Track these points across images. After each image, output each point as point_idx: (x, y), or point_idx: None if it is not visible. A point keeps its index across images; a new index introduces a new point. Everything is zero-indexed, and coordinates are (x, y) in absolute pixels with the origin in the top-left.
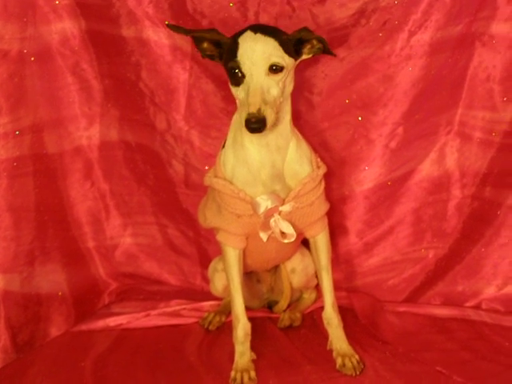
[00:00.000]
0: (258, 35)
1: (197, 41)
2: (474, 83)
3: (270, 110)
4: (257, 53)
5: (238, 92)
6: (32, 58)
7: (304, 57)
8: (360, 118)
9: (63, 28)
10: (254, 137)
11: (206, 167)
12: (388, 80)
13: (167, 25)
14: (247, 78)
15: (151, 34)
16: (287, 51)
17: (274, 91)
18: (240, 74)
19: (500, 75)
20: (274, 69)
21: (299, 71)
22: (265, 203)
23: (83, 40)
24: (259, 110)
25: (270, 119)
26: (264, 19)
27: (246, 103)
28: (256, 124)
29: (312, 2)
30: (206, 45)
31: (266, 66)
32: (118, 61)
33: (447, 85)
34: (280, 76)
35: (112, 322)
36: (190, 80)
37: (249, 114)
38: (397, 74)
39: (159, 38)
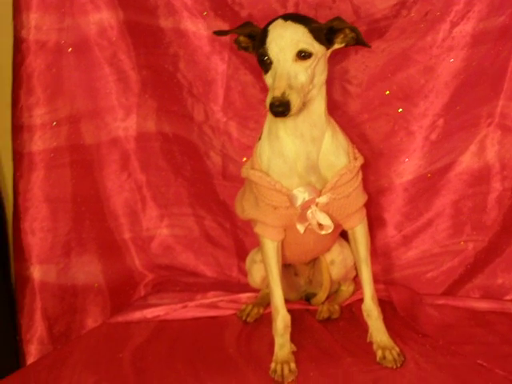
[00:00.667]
0: (288, 22)
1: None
2: None
3: (296, 95)
4: (285, 39)
5: (267, 79)
6: (69, 49)
7: (336, 46)
8: (400, 110)
9: (101, 19)
10: (289, 128)
11: (244, 159)
12: (429, 71)
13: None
14: (275, 64)
15: (189, 24)
16: (317, 39)
17: (302, 77)
18: (268, 61)
19: None
20: (303, 55)
21: (339, 62)
22: (302, 195)
23: (121, 31)
24: (284, 93)
25: (294, 104)
26: (304, 10)
27: (272, 88)
28: (280, 107)
29: None
30: (241, 38)
31: (294, 52)
32: (156, 52)
33: (489, 76)
34: (309, 62)
35: (149, 313)
36: (229, 71)
37: (273, 98)
38: (438, 66)
39: (197, 28)
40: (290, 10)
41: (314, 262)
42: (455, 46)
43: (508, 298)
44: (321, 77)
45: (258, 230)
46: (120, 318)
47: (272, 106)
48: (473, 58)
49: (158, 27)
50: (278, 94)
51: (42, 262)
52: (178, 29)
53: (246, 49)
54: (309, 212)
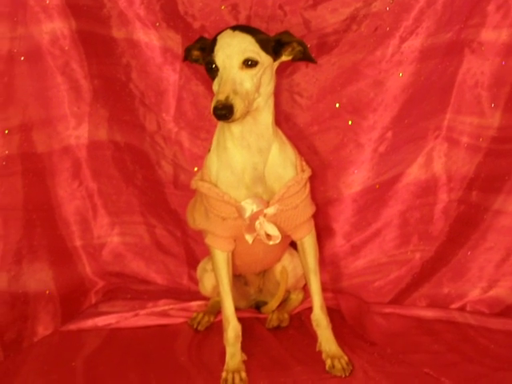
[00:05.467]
0: (236, 32)
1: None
2: (463, 89)
3: (240, 101)
4: (232, 47)
5: (214, 86)
6: (22, 58)
7: (284, 58)
8: (350, 123)
9: (53, 28)
10: (236, 138)
11: (195, 168)
12: (378, 85)
13: (183, 61)
14: (221, 71)
15: (142, 35)
16: (264, 49)
17: (248, 85)
18: (215, 68)
19: (488, 81)
20: (249, 63)
21: (289, 74)
22: (250, 207)
23: (73, 40)
24: (227, 97)
25: (238, 108)
26: (255, 22)
27: (217, 93)
28: (223, 110)
29: (304, 7)
30: (194, 51)
31: (240, 60)
32: (108, 61)
33: (436, 90)
34: (255, 71)
35: (101, 321)
36: (180, 82)
37: (217, 102)
38: (387, 80)
39: (150, 39)
40: (242, 22)
41: (264, 272)
42: (404, 60)
43: (454, 306)
44: (268, 87)
45: (208, 241)
46: (72, 326)
47: (215, 109)
48: (421, 72)
49: (111, 37)
50: (221, 97)
51: None
52: (131, 39)
53: (196, 61)
54: (257, 223)
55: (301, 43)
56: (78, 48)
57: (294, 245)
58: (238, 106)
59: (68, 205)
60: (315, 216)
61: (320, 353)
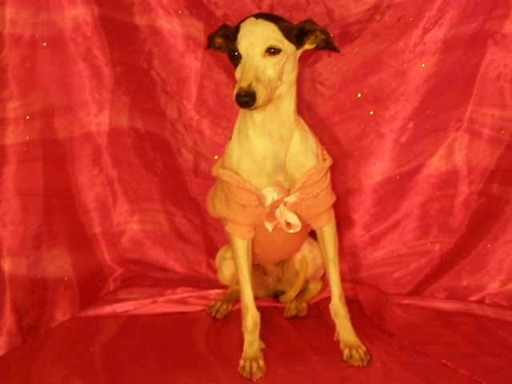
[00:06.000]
0: (260, 20)
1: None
2: (485, 81)
3: (262, 88)
4: (255, 35)
5: (236, 73)
6: (44, 44)
7: (307, 47)
8: (371, 113)
9: (76, 14)
10: (257, 126)
11: (216, 157)
12: (401, 75)
13: (205, 49)
14: (244, 58)
15: (164, 23)
16: (287, 37)
17: (270, 72)
18: (238, 55)
19: (511, 74)
20: (272, 51)
21: (312, 64)
22: (271, 195)
23: (96, 27)
24: (250, 85)
25: (260, 95)
26: (278, 11)
27: (240, 80)
28: (245, 97)
29: None
30: (217, 39)
31: (263, 48)
32: (131, 48)
33: (459, 82)
34: (277, 59)
35: (119, 308)
36: (202, 70)
37: (240, 89)
38: (409, 70)
39: (172, 27)
40: (265, 10)
41: (283, 262)
42: (427, 51)
43: (472, 299)
44: (290, 75)
45: (228, 228)
46: (90, 312)
47: (238, 96)
48: (443, 63)
49: (133, 24)
50: (244, 84)
51: (13, 254)
52: (153, 26)
53: (219, 48)
54: (277, 211)
55: (324, 32)
56: (100, 35)
57: (313, 234)
58: (261, 94)
59: (88, 191)
60: (335, 206)
61: (338, 342)
